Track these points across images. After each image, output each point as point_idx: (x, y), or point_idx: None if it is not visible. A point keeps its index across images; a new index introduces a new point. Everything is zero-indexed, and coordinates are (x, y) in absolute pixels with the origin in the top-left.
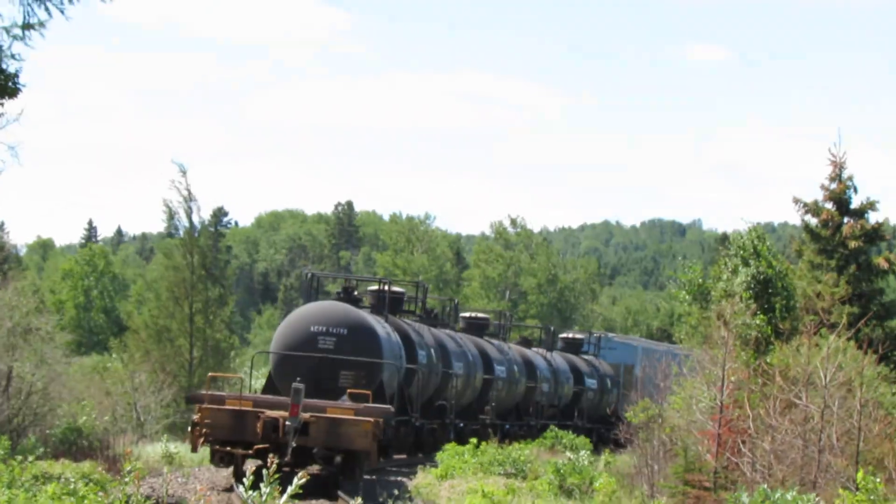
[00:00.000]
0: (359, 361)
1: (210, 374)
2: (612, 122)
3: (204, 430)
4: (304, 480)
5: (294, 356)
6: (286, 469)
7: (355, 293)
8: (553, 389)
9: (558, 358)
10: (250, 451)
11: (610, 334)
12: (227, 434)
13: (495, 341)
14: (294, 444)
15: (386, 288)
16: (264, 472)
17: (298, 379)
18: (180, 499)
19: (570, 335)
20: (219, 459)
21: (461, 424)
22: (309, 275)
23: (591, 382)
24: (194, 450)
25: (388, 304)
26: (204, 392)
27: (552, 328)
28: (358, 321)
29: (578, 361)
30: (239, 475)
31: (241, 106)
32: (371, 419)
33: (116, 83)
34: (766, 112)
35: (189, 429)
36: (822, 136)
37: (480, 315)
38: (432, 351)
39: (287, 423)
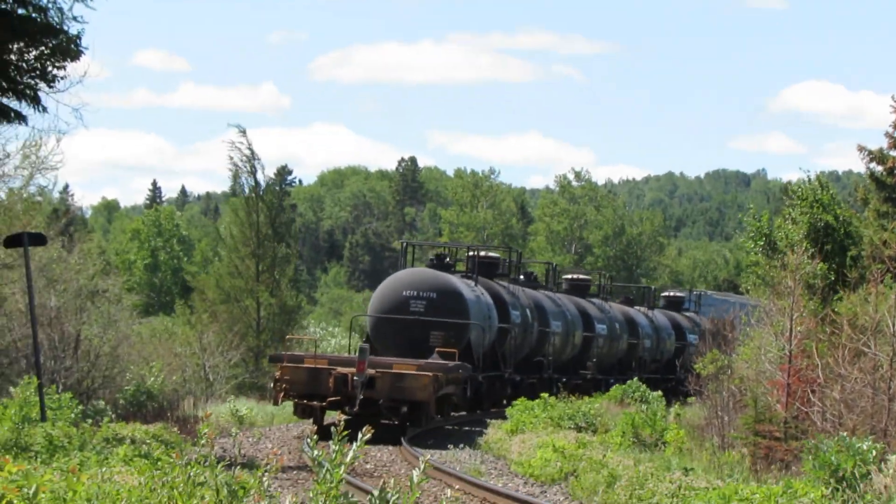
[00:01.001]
0: (447, 322)
1: (287, 336)
2: (675, 74)
3: (284, 387)
4: (368, 436)
5: (388, 319)
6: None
7: (447, 259)
8: (655, 345)
9: (660, 315)
10: (324, 404)
11: (709, 292)
12: (305, 389)
13: (597, 300)
14: (361, 397)
15: (478, 254)
16: (332, 429)
17: (364, 347)
18: (252, 459)
19: (672, 293)
20: (300, 412)
21: (563, 379)
22: (404, 243)
23: (693, 338)
24: (276, 403)
25: (476, 269)
26: (285, 352)
27: (653, 287)
28: (446, 285)
29: (680, 318)
30: (318, 426)
31: (303, 66)
32: (430, 373)
33: (176, 43)
34: (829, 63)
35: (271, 385)
36: (886, 85)
37: (582, 276)
38: (527, 311)
39: (355, 378)
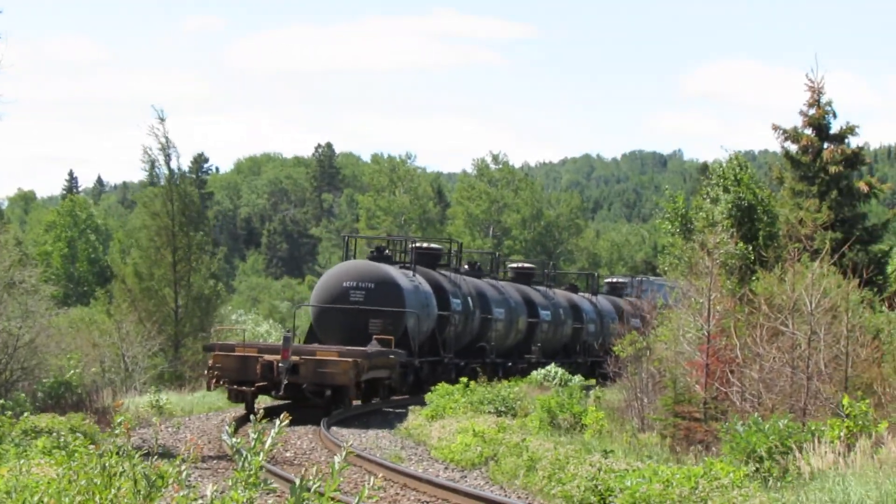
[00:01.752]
0: (384, 311)
1: (217, 327)
2: (590, 56)
3: (216, 374)
4: (286, 423)
5: (330, 308)
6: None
7: (386, 252)
8: (599, 329)
9: (603, 301)
10: (253, 389)
11: (652, 277)
12: (235, 376)
13: (541, 288)
14: (286, 382)
15: (415, 245)
16: (252, 417)
17: (288, 330)
18: (171, 448)
19: (615, 280)
20: (234, 397)
21: (509, 364)
22: (345, 236)
23: (636, 321)
24: (209, 389)
25: (414, 259)
26: (216, 341)
27: (596, 274)
28: (383, 276)
29: (622, 303)
30: (249, 410)
31: (218, 52)
32: (350, 359)
33: (92, 30)
34: (743, 40)
35: (206, 372)
36: (800, 62)
37: (526, 265)
38: (469, 299)
39: (280, 364)
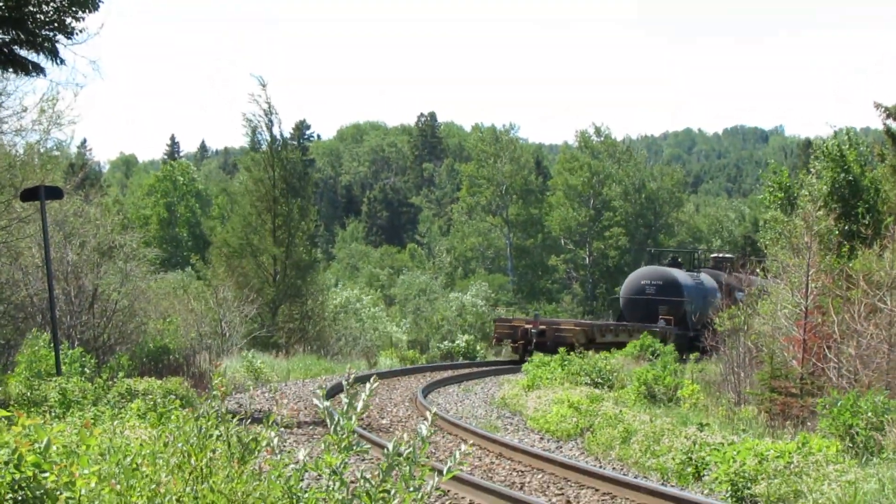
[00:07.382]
0: (668, 300)
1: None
2: (693, 29)
3: (497, 334)
4: (376, 385)
5: (633, 298)
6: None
7: (679, 259)
8: None
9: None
10: (517, 344)
11: None
12: (508, 336)
13: None
14: (535, 341)
15: (716, 255)
16: (344, 382)
17: (537, 314)
18: (266, 413)
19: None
20: (512, 350)
21: None
22: (651, 249)
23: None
24: (493, 345)
25: (700, 264)
26: (499, 317)
27: None
28: (669, 276)
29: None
30: (521, 357)
31: (322, 19)
32: (580, 328)
33: None
34: (846, 13)
35: (492, 334)
36: None
37: None
38: None
39: (532, 330)
